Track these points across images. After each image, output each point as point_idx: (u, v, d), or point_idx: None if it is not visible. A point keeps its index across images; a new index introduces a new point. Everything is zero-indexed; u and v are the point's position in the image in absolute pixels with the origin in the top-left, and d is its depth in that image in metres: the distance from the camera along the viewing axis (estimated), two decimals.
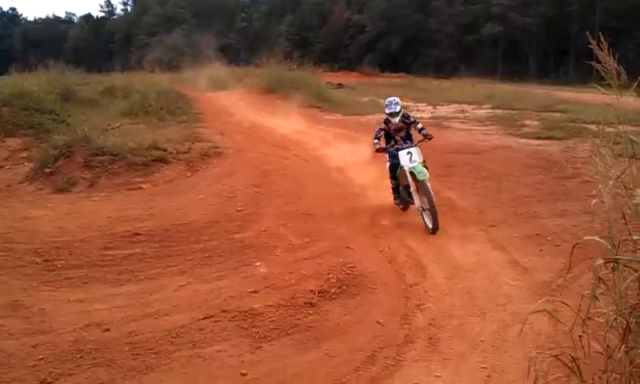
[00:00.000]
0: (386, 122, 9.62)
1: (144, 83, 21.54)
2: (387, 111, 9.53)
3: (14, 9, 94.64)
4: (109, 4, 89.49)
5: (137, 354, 5.22)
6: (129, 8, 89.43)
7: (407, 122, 9.61)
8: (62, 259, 7.84)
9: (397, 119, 9.51)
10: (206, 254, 7.99)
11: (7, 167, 13.99)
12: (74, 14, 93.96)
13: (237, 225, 9.29)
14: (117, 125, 16.27)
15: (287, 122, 18.08)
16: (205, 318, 5.90)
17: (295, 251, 8.06)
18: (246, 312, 6.04)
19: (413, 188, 9.05)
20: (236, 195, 11.06)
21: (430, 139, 9.34)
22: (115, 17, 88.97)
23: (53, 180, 12.24)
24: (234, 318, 5.96)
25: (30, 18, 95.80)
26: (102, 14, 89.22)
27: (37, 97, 17.78)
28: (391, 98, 9.71)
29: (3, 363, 5.20)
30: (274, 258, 7.76)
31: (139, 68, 31.84)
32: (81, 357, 5.22)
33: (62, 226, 9.34)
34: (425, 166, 8.97)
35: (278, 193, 11.22)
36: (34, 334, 5.68)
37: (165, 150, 13.29)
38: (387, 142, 9.68)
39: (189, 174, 12.76)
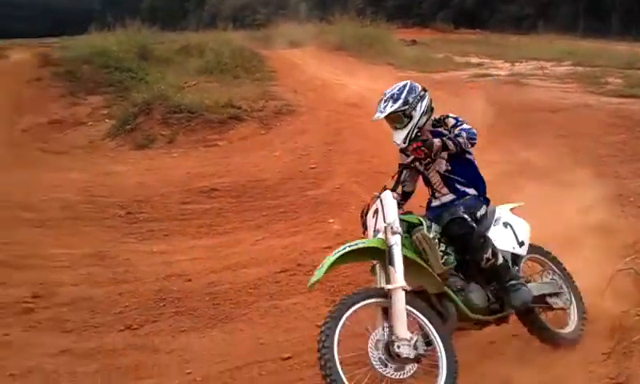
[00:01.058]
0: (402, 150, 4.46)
1: (218, 41, 21.67)
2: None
3: None
4: None
5: (217, 304, 5.44)
6: None
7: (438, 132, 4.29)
8: (143, 212, 8.18)
9: (402, 134, 4.25)
10: (281, 210, 8.14)
11: (89, 124, 14.48)
12: None
13: (310, 182, 9.37)
14: (193, 83, 16.52)
15: (360, 80, 17.92)
16: (281, 272, 6.06)
17: None
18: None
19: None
20: (309, 153, 11.10)
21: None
22: None
23: (133, 136, 12.66)
24: (308, 272, 6.06)
25: None
26: None
27: (116, 55, 18.24)
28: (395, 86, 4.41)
29: (92, 309, 5.51)
30: (347, 215, 7.79)
31: (213, 26, 32.01)
32: (164, 305, 5.48)
33: (143, 180, 9.70)
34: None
35: (350, 150, 11.19)
36: (119, 283, 5.99)
37: (240, 108, 13.43)
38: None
39: (263, 132, 12.88)
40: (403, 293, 3.53)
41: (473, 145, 4.17)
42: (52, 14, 79.79)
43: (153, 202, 8.50)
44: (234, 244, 7.02)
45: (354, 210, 7.96)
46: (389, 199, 3.93)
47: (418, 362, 3.50)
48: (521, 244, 4.35)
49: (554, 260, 4.64)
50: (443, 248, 3.92)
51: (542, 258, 4.64)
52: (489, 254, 3.99)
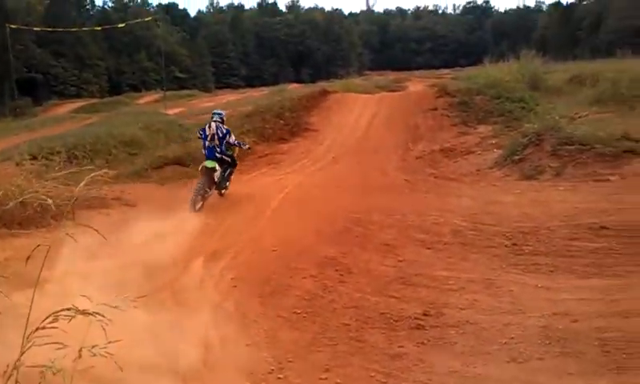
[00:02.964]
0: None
1: (614, 70, 20.47)
2: None
3: (487, 2, 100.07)
4: None
5: (607, 351, 5.15)
6: None
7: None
8: (528, 245, 8.16)
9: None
10: None
11: (478, 152, 14.99)
12: (543, 2, 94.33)
13: None
14: (585, 113, 15.89)
15: None
16: None
17: None
18: None
19: None
20: None
21: None
22: (585, 3, 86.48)
23: (520, 167, 12.70)
24: None
25: (501, 10, 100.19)
26: (572, 1, 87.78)
27: (507, 85, 18.60)
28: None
29: (478, 335, 5.74)
30: None
31: (608, 55, 30.29)
32: (549, 343, 5.41)
33: (528, 212, 9.67)
34: None
35: None
36: (504, 313, 6.11)
37: (636, 142, 12.44)
38: None
39: None
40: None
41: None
42: (447, 46, 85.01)
43: (538, 235, 8.43)
44: (626, 288, 6.54)
45: None
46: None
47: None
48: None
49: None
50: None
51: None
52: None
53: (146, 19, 57.90)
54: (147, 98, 51.20)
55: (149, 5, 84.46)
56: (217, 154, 11.64)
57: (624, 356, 5.05)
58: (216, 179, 11.50)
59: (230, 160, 12.04)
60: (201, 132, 11.98)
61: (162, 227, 9.25)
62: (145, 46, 70.09)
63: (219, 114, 12.09)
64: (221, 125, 11.80)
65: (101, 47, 68.74)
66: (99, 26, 59.96)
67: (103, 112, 34.75)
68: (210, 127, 11.73)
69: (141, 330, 5.22)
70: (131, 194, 12.31)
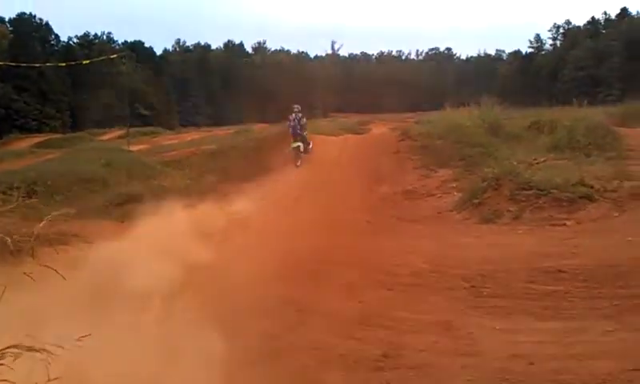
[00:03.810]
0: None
1: (571, 118, 21.06)
2: None
3: (449, 48, 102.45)
4: (538, 40, 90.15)
5: None
6: (558, 43, 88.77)
7: None
8: (487, 287, 8.30)
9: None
10: (635, 301, 7.47)
11: (438, 195, 15.26)
12: (503, 51, 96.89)
13: None
14: (542, 159, 16.31)
15: None
16: (634, 370, 5.56)
17: None
18: None
19: None
20: None
21: None
22: (543, 53, 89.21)
23: (479, 210, 12.96)
24: None
25: (463, 56, 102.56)
26: (531, 50, 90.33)
27: (468, 131, 19.02)
28: None
29: (436, 378, 5.78)
30: None
31: (565, 103, 31.17)
32: None
33: (487, 255, 9.85)
34: None
35: None
36: (463, 356, 6.16)
37: (591, 187, 12.81)
38: None
39: (616, 214, 12.04)
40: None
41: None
42: (410, 90, 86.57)
43: (497, 278, 8.57)
44: (580, 331, 6.68)
45: None
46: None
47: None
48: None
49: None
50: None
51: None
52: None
53: (112, 56, 57.51)
54: (110, 135, 50.61)
55: (114, 42, 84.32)
56: (298, 132, 19.32)
57: None
58: (301, 150, 19.28)
59: (304, 136, 19.60)
60: (289, 120, 19.66)
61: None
62: (109, 83, 69.64)
63: (297, 106, 19.72)
64: (299, 114, 19.60)
65: (65, 82, 68.21)
66: (64, 61, 59.44)
67: (65, 147, 34.28)
68: (292, 117, 19.53)
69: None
70: (90, 231, 12.12)
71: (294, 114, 19.32)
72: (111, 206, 14.83)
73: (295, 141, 19.19)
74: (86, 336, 3.84)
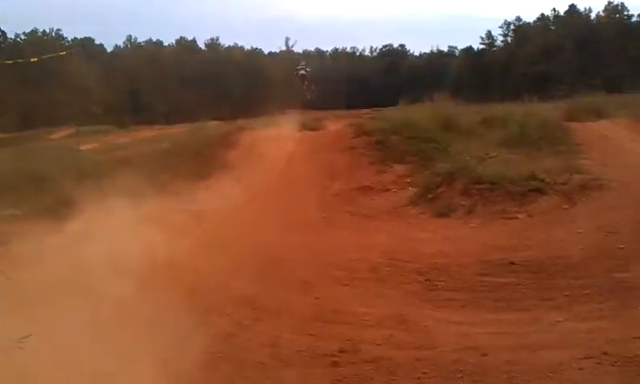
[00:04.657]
0: None
1: (522, 114, 21.42)
2: None
3: (402, 45, 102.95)
4: (490, 36, 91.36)
5: None
6: (509, 39, 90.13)
7: None
8: (441, 280, 8.38)
9: None
10: (585, 291, 7.65)
11: (393, 190, 15.33)
12: (455, 48, 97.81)
13: (619, 263, 8.60)
14: (495, 154, 16.53)
15: None
16: (585, 358, 5.68)
17: None
18: (630, 358, 5.61)
19: None
20: (618, 231, 10.25)
21: None
22: (495, 49, 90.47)
23: (434, 205, 13.06)
24: (616, 362, 5.60)
25: (416, 53, 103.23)
26: (482, 47, 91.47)
27: (421, 126, 19.15)
28: None
29: (392, 371, 5.79)
30: None
31: (516, 99, 31.73)
32: (461, 377, 5.53)
33: (441, 249, 9.94)
34: None
35: None
36: (418, 349, 6.20)
37: (542, 181, 13.05)
38: None
39: (566, 206, 12.27)
40: None
41: None
42: (365, 86, 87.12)
43: (451, 271, 8.66)
44: (532, 322, 6.80)
45: None
46: None
47: None
48: None
49: None
50: None
51: None
52: None
53: (60, 53, 56.20)
54: (60, 133, 49.33)
55: (64, 39, 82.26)
56: None
57: None
58: None
59: None
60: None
61: None
62: (59, 81, 68.01)
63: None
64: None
65: (12, 81, 66.25)
66: (10, 59, 57.74)
67: (13, 147, 33.31)
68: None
69: None
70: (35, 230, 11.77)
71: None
72: (59, 205, 14.43)
73: None
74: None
